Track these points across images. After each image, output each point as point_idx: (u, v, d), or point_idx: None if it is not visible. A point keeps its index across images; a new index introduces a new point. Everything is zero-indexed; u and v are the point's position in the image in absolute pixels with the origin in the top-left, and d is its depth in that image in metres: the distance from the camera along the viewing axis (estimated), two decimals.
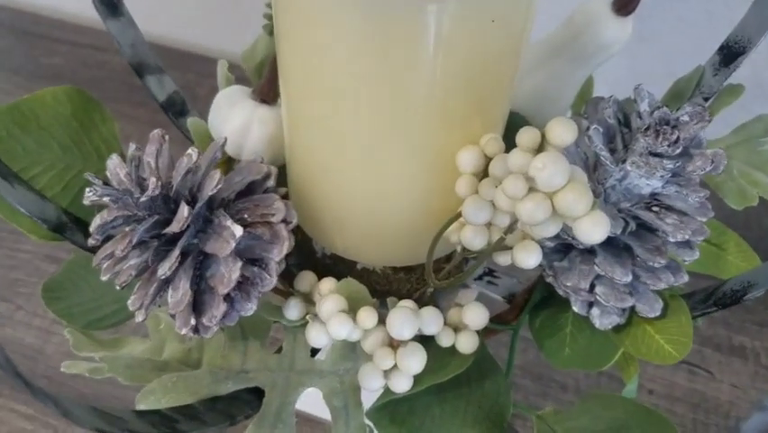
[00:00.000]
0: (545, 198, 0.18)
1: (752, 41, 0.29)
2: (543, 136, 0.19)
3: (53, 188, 0.28)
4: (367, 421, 0.24)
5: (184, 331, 0.23)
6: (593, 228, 0.18)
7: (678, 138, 0.22)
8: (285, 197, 0.25)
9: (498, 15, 0.18)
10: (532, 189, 0.18)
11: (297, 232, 0.28)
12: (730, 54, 0.30)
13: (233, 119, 0.29)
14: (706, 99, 0.31)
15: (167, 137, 0.23)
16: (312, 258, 0.29)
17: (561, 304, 0.28)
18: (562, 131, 0.18)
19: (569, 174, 0.17)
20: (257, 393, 0.24)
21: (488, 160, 0.21)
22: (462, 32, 0.19)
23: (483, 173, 0.22)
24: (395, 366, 0.22)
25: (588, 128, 0.23)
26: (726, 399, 0.43)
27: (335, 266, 0.28)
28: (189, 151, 0.23)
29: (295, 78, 0.23)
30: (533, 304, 0.29)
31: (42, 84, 0.58)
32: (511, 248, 0.22)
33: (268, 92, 0.29)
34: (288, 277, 0.28)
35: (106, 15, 0.31)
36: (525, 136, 0.19)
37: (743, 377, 0.45)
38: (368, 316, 0.22)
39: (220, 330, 0.27)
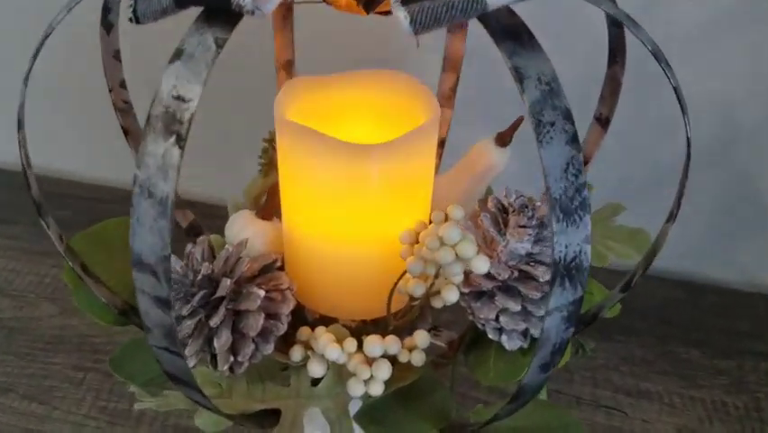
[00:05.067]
0: (450, 248, 0.30)
1: (591, 154, 0.44)
2: (446, 216, 0.32)
3: (117, 287, 0.39)
4: (355, 426, 0.35)
5: (225, 367, 0.34)
6: (480, 264, 0.31)
7: (533, 214, 0.36)
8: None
9: (412, 152, 0.32)
10: (442, 244, 0.31)
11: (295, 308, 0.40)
12: None
13: (244, 232, 0.41)
14: None
15: (209, 242, 0.36)
16: (306, 323, 0.40)
17: (485, 345, 0.39)
18: (455, 211, 0.31)
19: (460, 233, 0.30)
20: (277, 413, 0.35)
21: (417, 236, 0.34)
22: (392, 164, 0.32)
23: (416, 243, 0.34)
24: (371, 377, 0.33)
25: (479, 215, 0.37)
26: (639, 430, 0.54)
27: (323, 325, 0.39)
28: (227, 246, 0.35)
29: (291, 200, 0.36)
30: (465, 346, 0.40)
31: None
32: (440, 292, 0.34)
33: (267, 213, 0.42)
34: (288, 344, 0.39)
35: None
36: (436, 216, 0.32)
37: (650, 413, 0.56)
38: (350, 343, 0.33)
39: (245, 378, 0.37)
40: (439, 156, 0.53)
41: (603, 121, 0.43)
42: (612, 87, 0.42)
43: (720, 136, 0.64)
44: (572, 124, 0.22)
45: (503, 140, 0.42)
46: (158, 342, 0.23)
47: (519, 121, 0.41)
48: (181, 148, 0.20)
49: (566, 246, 0.22)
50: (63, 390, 0.54)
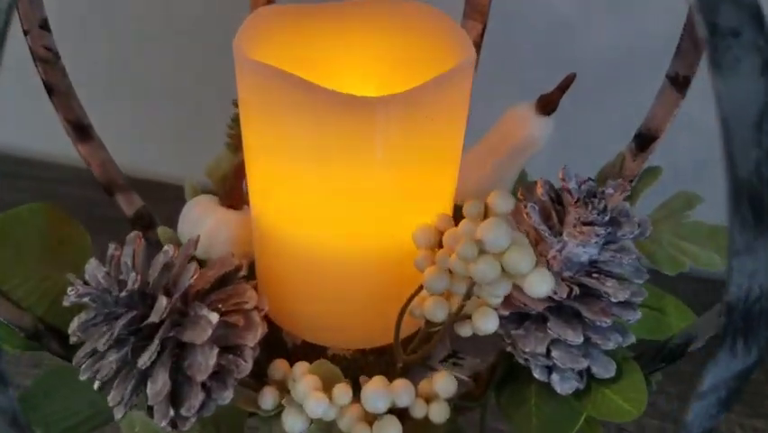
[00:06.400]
0: (494, 258, 0.20)
1: (660, 127, 0.33)
2: (486, 208, 0.22)
3: (29, 298, 0.28)
4: None
5: (163, 424, 0.23)
6: (539, 283, 0.20)
7: (605, 207, 0.25)
8: (255, 289, 0.27)
9: (432, 113, 0.21)
10: (482, 252, 0.20)
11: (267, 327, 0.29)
12: (645, 140, 0.34)
13: (202, 224, 0.31)
14: (630, 182, 0.35)
15: (142, 239, 0.25)
16: (283, 350, 0.30)
17: (523, 379, 0.29)
18: (501, 201, 0.21)
19: (511, 236, 0.20)
20: None
21: (440, 235, 0.24)
22: (406, 127, 0.22)
23: (438, 247, 0.24)
24: None
25: (525, 206, 0.26)
26: None
27: (306, 356, 0.29)
28: (166, 247, 0.24)
29: (261, 181, 0.25)
30: (497, 380, 0.30)
31: None
32: (470, 317, 0.24)
33: (234, 198, 0.31)
34: (259, 377, 0.29)
35: (77, 139, 0.33)
36: (471, 208, 0.21)
37: None
38: (342, 392, 0.23)
39: (196, 429, 0.27)
40: None
41: (680, 82, 0.32)
42: (694, 38, 0.32)
43: None
44: None
45: (547, 105, 0.31)
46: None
47: (570, 79, 0.31)
48: None
49: (749, 277, 0.12)
50: None
